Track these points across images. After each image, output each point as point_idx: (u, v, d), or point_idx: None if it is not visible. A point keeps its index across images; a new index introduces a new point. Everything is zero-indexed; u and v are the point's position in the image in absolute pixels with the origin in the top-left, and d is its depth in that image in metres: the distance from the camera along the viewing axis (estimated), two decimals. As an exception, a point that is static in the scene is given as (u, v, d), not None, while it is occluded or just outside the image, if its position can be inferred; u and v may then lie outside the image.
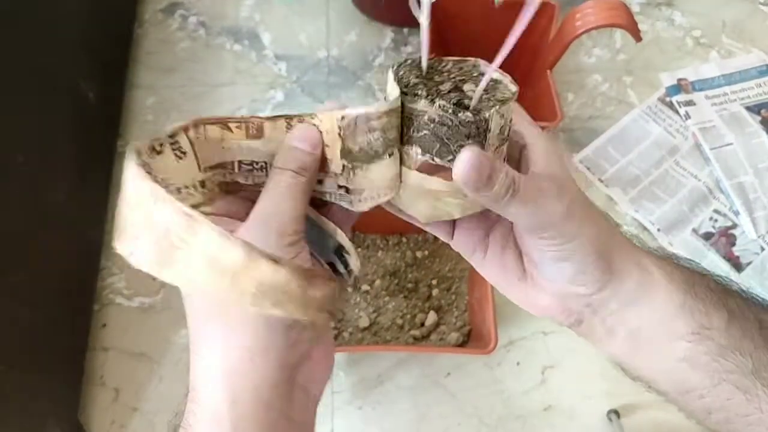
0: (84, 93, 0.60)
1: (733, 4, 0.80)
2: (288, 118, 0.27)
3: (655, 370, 0.28)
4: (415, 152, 0.26)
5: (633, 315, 0.27)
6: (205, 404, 0.24)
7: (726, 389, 0.26)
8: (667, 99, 0.73)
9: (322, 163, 0.27)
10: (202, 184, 0.27)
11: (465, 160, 0.23)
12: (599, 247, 0.26)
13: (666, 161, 0.69)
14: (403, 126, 0.26)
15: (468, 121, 0.24)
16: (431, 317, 0.57)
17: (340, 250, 0.29)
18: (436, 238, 0.62)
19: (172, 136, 0.26)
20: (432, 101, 0.24)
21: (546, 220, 0.25)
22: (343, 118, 0.25)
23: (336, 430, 0.56)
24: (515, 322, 0.61)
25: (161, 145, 0.25)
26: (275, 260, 0.22)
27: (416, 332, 0.57)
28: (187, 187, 0.26)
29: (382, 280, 0.60)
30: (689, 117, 0.70)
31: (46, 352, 0.52)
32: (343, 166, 0.27)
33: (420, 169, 0.26)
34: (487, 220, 0.30)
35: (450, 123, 0.24)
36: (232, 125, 0.27)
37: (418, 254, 0.62)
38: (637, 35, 0.55)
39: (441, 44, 0.65)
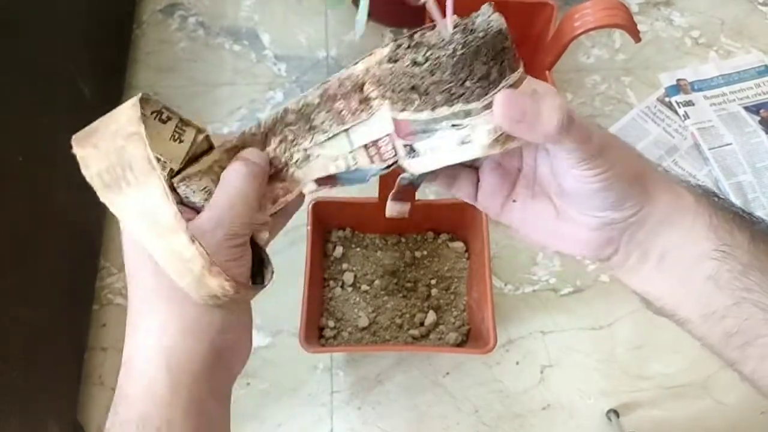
0: (83, 93, 0.60)
1: (732, 4, 0.80)
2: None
3: (682, 293, 0.29)
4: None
5: (665, 235, 0.28)
6: (141, 372, 0.27)
7: (746, 308, 0.27)
8: (666, 99, 0.73)
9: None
10: (171, 173, 0.28)
11: (501, 99, 0.24)
12: (636, 172, 0.27)
13: (665, 161, 0.69)
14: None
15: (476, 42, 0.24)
16: (430, 317, 0.57)
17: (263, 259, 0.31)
18: (435, 238, 0.63)
19: (184, 122, 0.28)
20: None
21: (593, 151, 0.26)
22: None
23: (335, 429, 0.57)
24: (514, 321, 0.61)
25: (169, 118, 0.27)
26: (192, 238, 0.25)
27: (415, 332, 0.57)
28: (158, 161, 0.27)
29: (381, 279, 0.60)
30: (688, 117, 0.71)
31: (45, 351, 0.52)
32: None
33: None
34: (508, 176, 0.31)
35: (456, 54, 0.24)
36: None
37: (417, 254, 0.62)
38: (636, 35, 0.55)
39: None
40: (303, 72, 0.75)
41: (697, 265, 0.28)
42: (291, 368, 0.59)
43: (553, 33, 0.58)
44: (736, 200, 0.65)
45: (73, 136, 0.26)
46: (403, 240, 0.62)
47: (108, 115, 0.27)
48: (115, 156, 0.25)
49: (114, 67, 0.71)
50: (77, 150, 0.26)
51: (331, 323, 0.57)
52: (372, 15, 0.77)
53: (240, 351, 0.31)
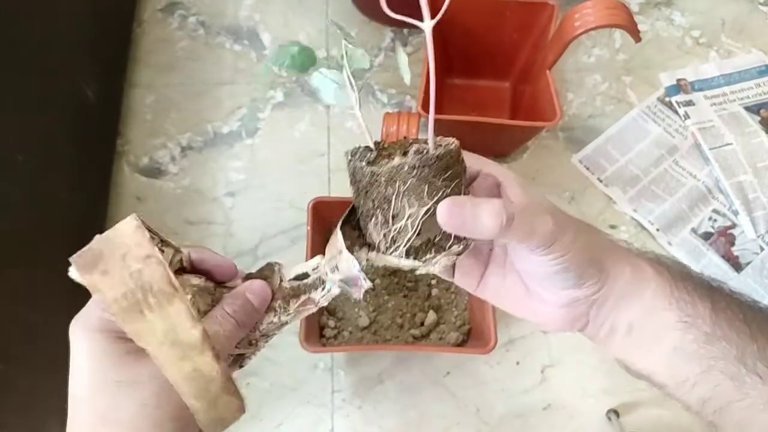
0: (83, 92, 0.60)
1: (733, 4, 0.80)
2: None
3: (652, 362, 0.30)
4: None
5: (629, 308, 0.29)
6: None
7: (714, 376, 0.28)
8: (667, 99, 0.73)
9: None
10: None
11: (444, 209, 0.26)
12: (591, 252, 0.29)
13: (665, 161, 0.69)
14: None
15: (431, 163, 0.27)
16: (431, 316, 0.57)
17: None
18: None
19: (165, 242, 0.28)
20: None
21: (543, 239, 0.27)
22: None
23: (336, 429, 0.57)
24: (515, 321, 0.61)
25: (152, 238, 0.27)
26: (218, 356, 0.25)
27: (416, 331, 0.57)
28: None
29: (382, 279, 0.60)
30: (688, 117, 0.71)
31: (45, 351, 0.52)
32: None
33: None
34: (482, 256, 0.33)
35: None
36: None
37: (418, 254, 0.61)
38: (636, 35, 0.55)
39: (442, 43, 0.65)
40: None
41: (662, 335, 0.29)
42: (292, 367, 0.59)
43: (554, 33, 0.58)
44: (737, 200, 0.65)
45: (73, 261, 0.26)
46: (403, 240, 0.62)
47: (105, 236, 0.27)
48: (133, 281, 0.25)
49: (114, 65, 0.71)
50: (83, 277, 0.26)
51: (332, 323, 0.57)
52: (372, 15, 0.77)
53: None
